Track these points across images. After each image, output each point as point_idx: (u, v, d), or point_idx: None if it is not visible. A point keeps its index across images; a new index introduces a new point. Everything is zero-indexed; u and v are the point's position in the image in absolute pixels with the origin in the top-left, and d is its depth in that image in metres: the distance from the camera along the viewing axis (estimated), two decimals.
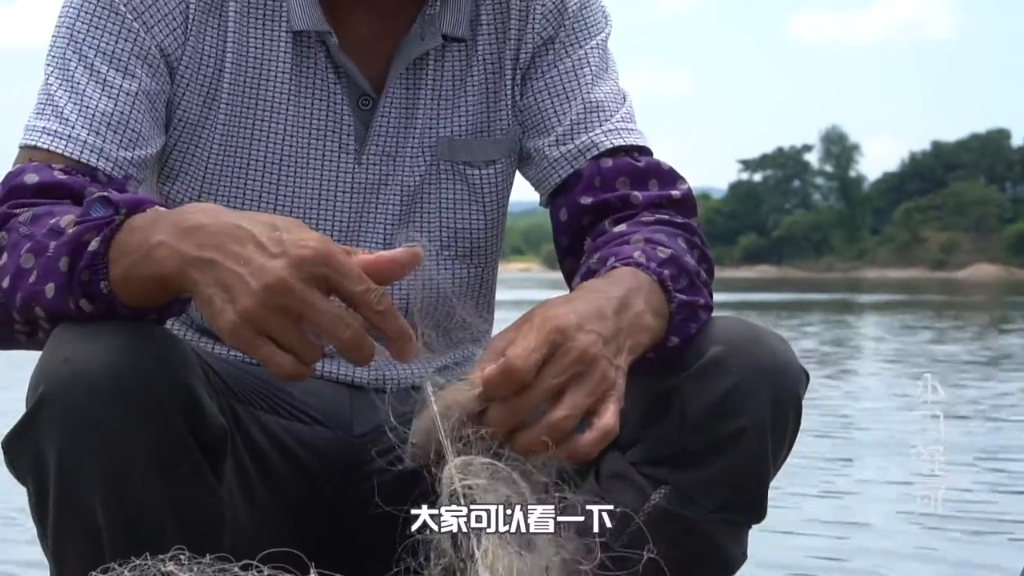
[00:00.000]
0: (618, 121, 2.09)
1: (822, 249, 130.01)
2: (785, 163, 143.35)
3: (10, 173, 1.87)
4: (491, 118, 2.12)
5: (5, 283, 1.74)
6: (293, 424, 2.03)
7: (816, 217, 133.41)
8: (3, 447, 1.75)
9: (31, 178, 1.84)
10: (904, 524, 4.55)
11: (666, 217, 2.00)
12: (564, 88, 2.11)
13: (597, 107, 2.09)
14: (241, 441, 1.93)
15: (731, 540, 1.92)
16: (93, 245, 1.67)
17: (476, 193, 2.11)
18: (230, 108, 2.02)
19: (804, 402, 1.93)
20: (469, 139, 2.10)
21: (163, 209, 1.71)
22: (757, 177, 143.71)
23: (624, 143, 2.07)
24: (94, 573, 1.57)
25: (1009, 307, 30.32)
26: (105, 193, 1.73)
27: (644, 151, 2.09)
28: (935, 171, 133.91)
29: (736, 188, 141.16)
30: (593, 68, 2.12)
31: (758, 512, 1.95)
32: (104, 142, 1.92)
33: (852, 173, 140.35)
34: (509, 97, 2.12)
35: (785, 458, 1.96)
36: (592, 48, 2.13)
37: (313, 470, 2.03)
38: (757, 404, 1.87)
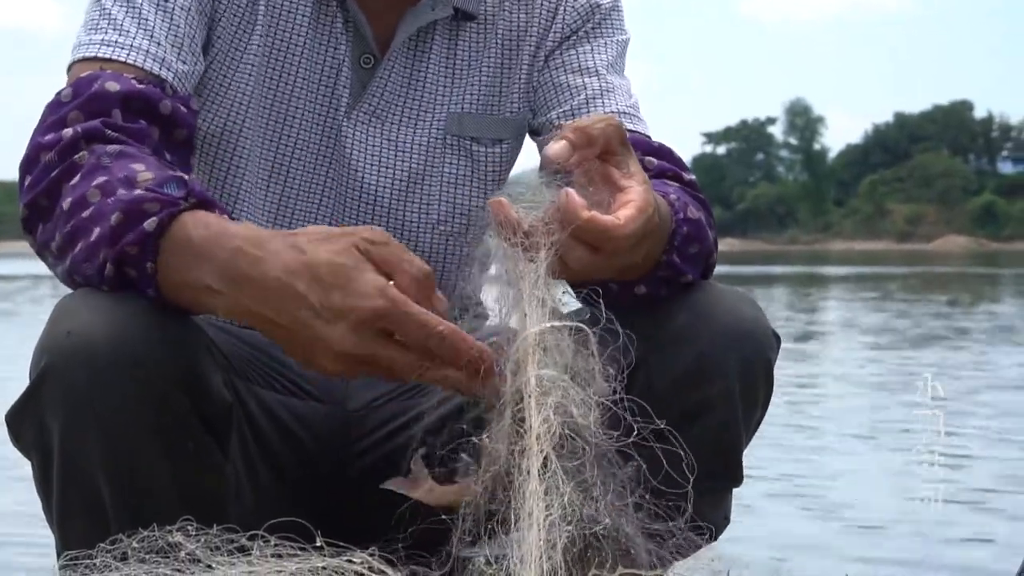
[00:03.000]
0: (630, 107, 2.12)
1: (787, 222, 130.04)
2: (749, 136, 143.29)
3: (82, 80, 1.85)
4: (502, 98, 2.15)
5: (66, 204, 1.75)
6: (289, 400, 2.05)
7: (781, 190, 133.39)
8: (7, 421, 1.77)
9: (112, 86, 1.84)
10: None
11: (690, 189, 2.01)
12: (581, 66, 2.14)
13: (612, 89, 2.12)
14: (243, 417, 1.95)
15: (709, 507, 1.90)
16: (149, 225, 1.68)
17: (480, 171, 2.13)
18: (263, 40, 2.04)
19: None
20: (478, 116, 2.13)
21: (218, 221, 1.70)
22: (721, 150, 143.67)
23: (635, 128, 2.09)
24: (102, 545, 1.58)
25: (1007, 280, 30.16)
26: (184, 176, 1.74)
27: (652, 140, 2.10)
28: (899, 143, 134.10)
29: (700, 161, 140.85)
30: (610, 57, 2.15)
31: (734, 478, 1.97)
32: (165, 53, 1.92)
33: (816, 146, 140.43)
34: (523, 80, 2.15)
35: (760, 422, 1.98)
36: (613, 42, 2.16)
37: (309, 447, 2.05)
38: (724, 373, 1.88)
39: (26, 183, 1.81)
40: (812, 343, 12.15)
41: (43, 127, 1.83)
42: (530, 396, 1.57)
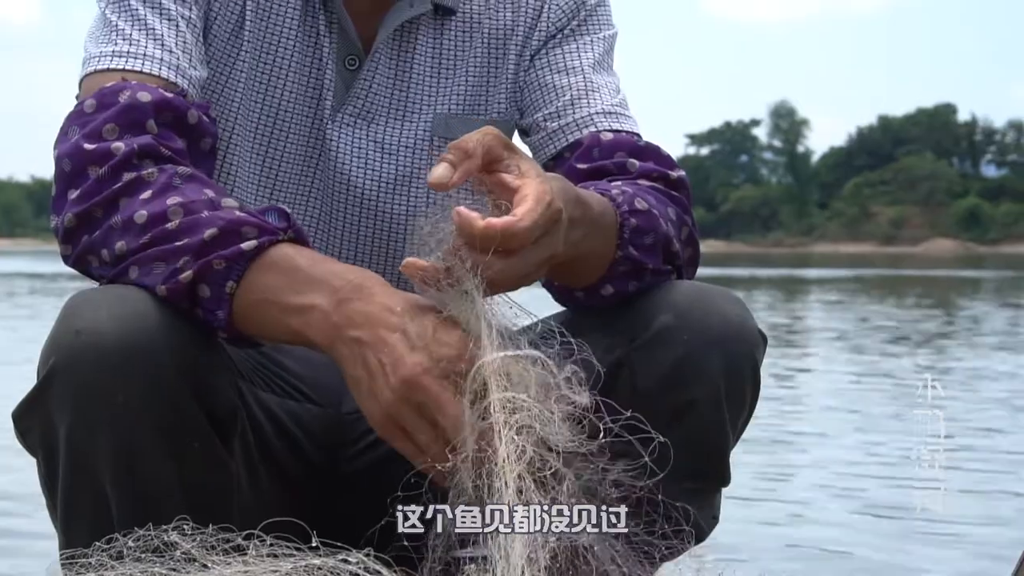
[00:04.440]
0: (616, 105, 2.13)
1: (771, 224, 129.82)
2: (733, 138, 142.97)
3: (106, 90, 1.86)
4: (489, 99, 2.15)
5: (138, 217, 1.76)
6: (286, 402, 2.05)
7: (764, 192, 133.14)
8: (13, 419, 1.78)
9: (144, 96, 1.85)
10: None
11: (662, 187, 2.02)
12: (566, 65, 2.14)
13: (596, 88, 2.13)
14: (245, 418, 1.94)
15: (696, 508, 1.87)
16: (247, 246, 1.72)
17: None
18: (252, 44, 2.06)
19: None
20: (464, 117, 2.13)
21: (318, 254, 1.76)
22: (704, 151, 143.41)
23: (621, 127, 2.10)
24: (98, 544, 1.60)
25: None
26: (286, 209, 1.78)
27: (640, 137, 2.11)
28: (883, 146, 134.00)
29: (683, 163, 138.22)
30: (596, 55, 2.16)
31: (720, 480, 1.98)
32: (178, 60, 1.93)
33: (800, 148, 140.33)
34: (509, 81, 2.16)
35: (747, 422, 1.98)
36: (599, 39, 2.17)
37: (305, 449, 2.05)
38: (708, 375, 1.88)
39: (72, 195, 1.81)
40: (803, 344, 12.17)
41: (76, 138, 1.83)
42: (496, 425, 1.58)
